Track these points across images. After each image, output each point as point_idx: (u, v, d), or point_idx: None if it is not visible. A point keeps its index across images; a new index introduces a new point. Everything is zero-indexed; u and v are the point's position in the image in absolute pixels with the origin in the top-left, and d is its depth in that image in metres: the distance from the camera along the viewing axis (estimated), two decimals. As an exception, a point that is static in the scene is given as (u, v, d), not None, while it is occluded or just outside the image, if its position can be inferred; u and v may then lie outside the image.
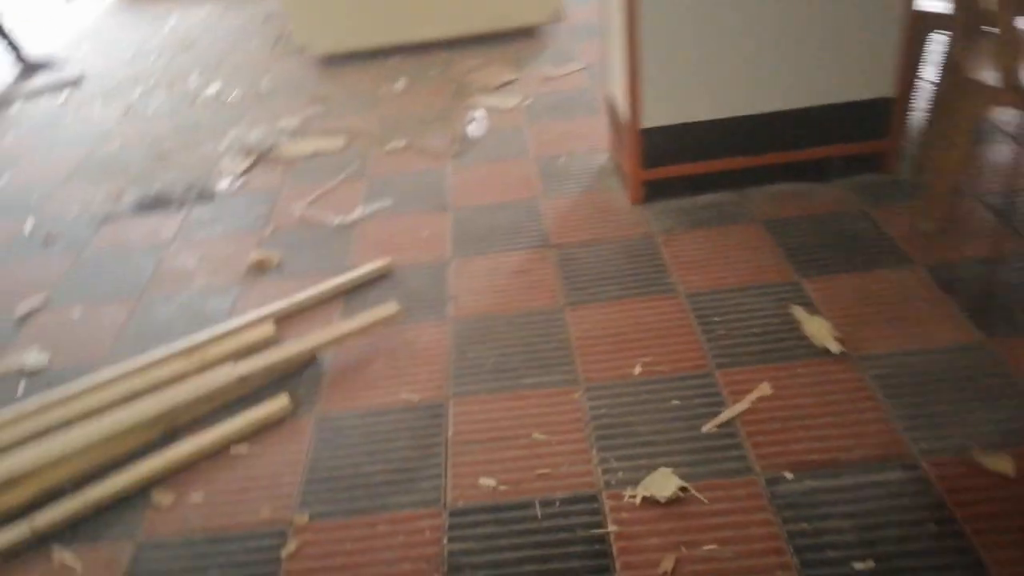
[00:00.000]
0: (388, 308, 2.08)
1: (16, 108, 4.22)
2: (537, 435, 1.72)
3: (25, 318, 2.35)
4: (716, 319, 2.02)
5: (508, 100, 3.50)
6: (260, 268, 2.46)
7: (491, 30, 4.17)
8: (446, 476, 1.65)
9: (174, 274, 2.50)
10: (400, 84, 3.80)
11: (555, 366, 1.92)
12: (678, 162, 2.52)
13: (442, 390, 1.89)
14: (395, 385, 1.92)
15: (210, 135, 3.50)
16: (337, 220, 2.68)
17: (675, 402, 1.77)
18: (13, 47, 4.69)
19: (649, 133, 2.44)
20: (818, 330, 1.90)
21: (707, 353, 1.91)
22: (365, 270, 2.33)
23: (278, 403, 1.83)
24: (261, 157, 3.23)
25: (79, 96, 4.25)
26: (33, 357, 2.13)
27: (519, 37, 4.21)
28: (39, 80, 4.53)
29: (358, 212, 2.72)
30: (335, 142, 3.29)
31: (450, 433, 1.76)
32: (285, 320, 2.20)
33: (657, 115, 2.42)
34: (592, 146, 3.00)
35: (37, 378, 2.08)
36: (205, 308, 2.31)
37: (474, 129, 3.21)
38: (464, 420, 1.79)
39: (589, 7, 4.58)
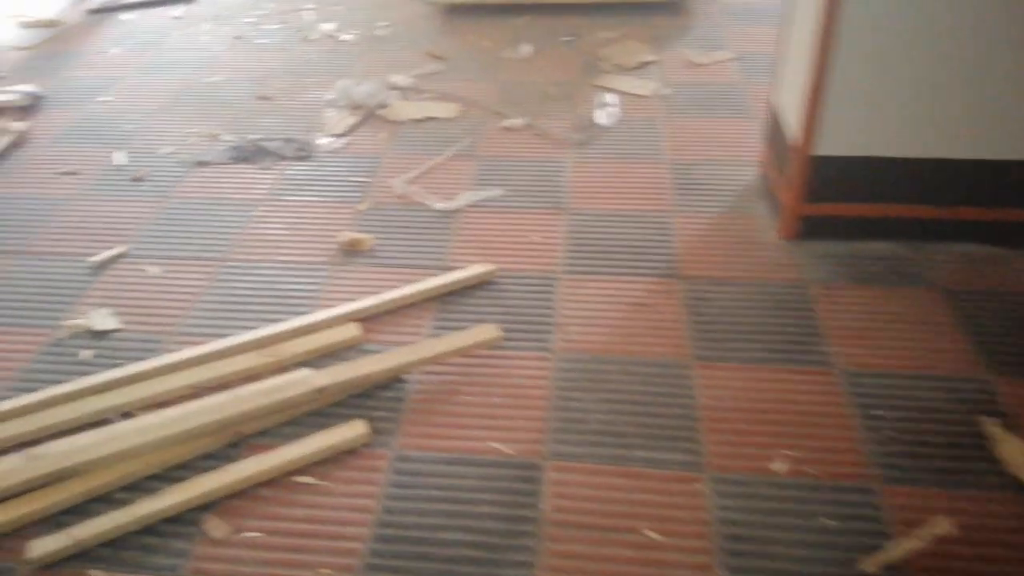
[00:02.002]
0: (487, 331, 1.80)
1: (130, 16, 4.07)
2: (650, 532, 1.43)
3: (101, 267, 2.18)
4: (882, 412, 1.66)
5: (644, 85, 3.11)
6: (351, 249, 2.21)
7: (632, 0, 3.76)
8: (535, 566, 1.38)
9: (261, 240, 2.28)
10: (525, 50, 3.45)
11: (676, 440, 1.61)
12: (848, 199, 2.12)
13: (539, 446, 1.61)
14: (485, 428, 1.65)
15: (317, 80, 3.25)
16: (440, 205, 2.40)
17: (825, 520, 1.44)
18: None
19: (820, 161, 2.05)
20: (1018, 456, 1.52)
21: (869, 458, 1.56)
22: (465, 274, 2.06)
23: (353, 430, 1.59)
24: (368, 115, 2.97)
25: (191, 13, 4.06)
26: (101, 319, 1.95)
27: (662, 11, 3.78)
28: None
29: (463, 199, 2.43)
30: (448, 109, 2.99)
31: (545, 508, 1.48)
32: (371, 319, 1.95)
33: (835, 142, 2.02)
34: (738, 157, 2.61)
35: (102, 343, 1.91)
36: (288, 287, 2.09)
37: (603, 116, 2.85)
38: (562, 493, 1.51)
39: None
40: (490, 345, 1.80)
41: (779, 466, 1.55)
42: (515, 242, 2.25)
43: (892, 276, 2.05)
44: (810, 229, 2.18)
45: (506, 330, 1.87)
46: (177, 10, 4.09)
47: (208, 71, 3.39)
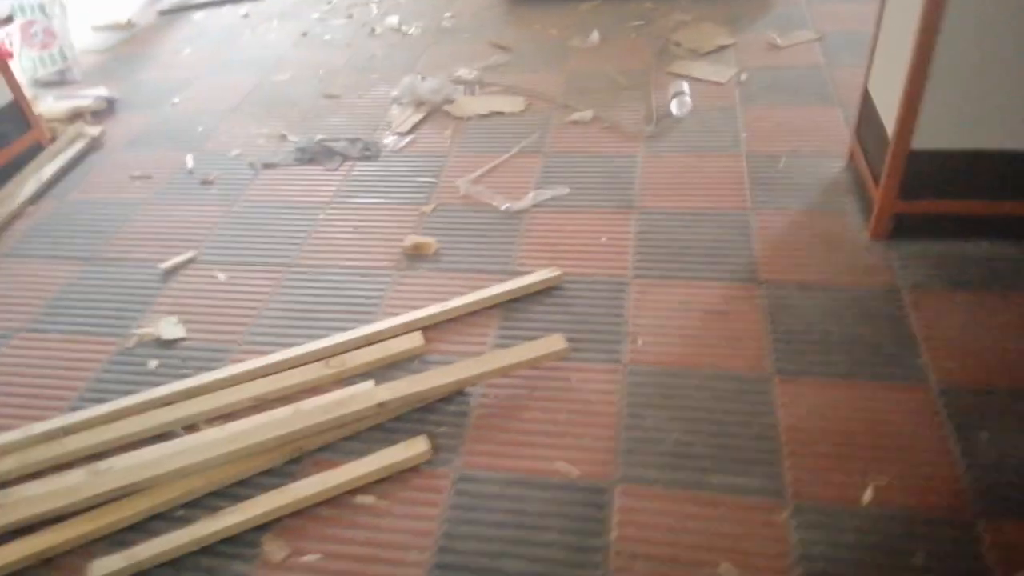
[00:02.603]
0: (554, 343, 1.73)
1: (200, 15, 4.13)
2: (726, 567, 1.33)
3: (171, 272, 2.20)
4: (983, 434, 1.51)
5: (720, 71, 2.95)
6: (416, 253, 2.17)
7: (707, -21, 3.57)
8: (603, 601, 1.31)
9: (326, 245, 2.26)
10: (594, 37, 3.33)
11: (755, 464, 1.50)
12: (947, 196, 1.94)
13: (607, 467, 1.53)
14: (551, 446, 1.58)
15: (383, 76, 3.22)
16: (505, 205, 2.33)
17: (920, 558, 1.31)
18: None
19: (918, 155, 1.88)
20: None
21: (970, 488, 1.41)
22: (531, 280, 1.98)
23: (415, 448, 1.55)
24: (433, 111, 2.91)
25: (259, 10, 4.09)
26: (170, 328, 1.97)
27: (739, -10, 3.59)
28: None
29: (529, 198, 2.35)
30: (514, 103, 2.90)
31: (613, 536, 1.40)
32: (435, 327, 1.90)
33: (936, 134, 1.85)
34: (822, 148, 2.44)
35: (170, 352, 1.92)
36: (352, 294, 2.06)
37: (677, 106, 2.71)
38: (632, 520, 1.43)
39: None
40: (557, 358, 1.72)
41: (868, 496, 1.42)
42: (583, 244, 2.15)
43: (995, 280, 1.87)
44: (904, 228, 2.01)
45: (574, 339, 1.79)
46: (244, 8, 4.13)
47: (276, 69, 3.40)
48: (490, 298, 1.94)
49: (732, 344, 1.78)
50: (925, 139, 1.86)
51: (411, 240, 2.18)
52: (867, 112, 2.15)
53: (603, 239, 2.17)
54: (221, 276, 2.17)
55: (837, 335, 1.77)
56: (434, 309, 1.90)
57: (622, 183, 2.40)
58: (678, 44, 3.19)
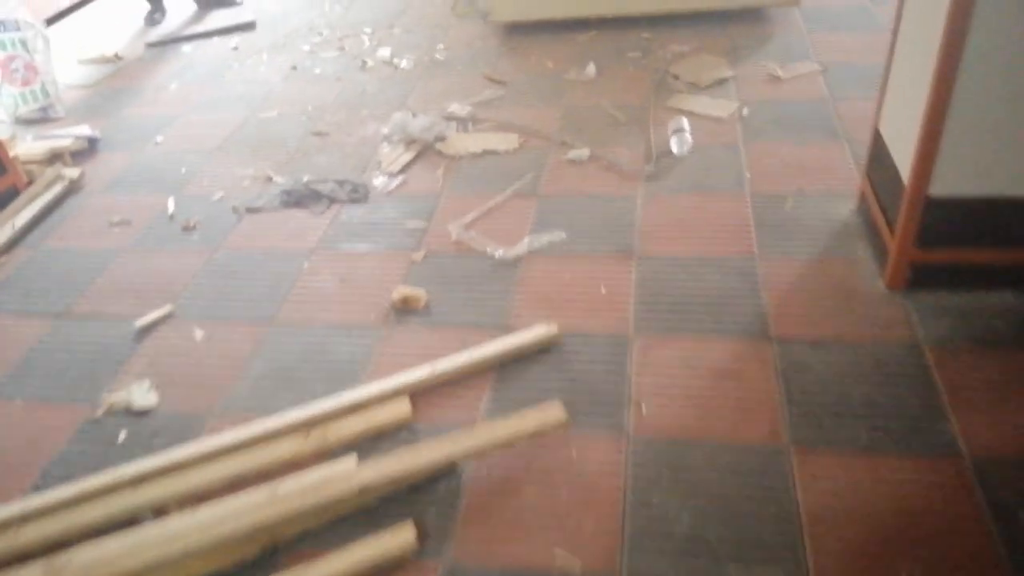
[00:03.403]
0: (552, 412, 1.60)
1: (189, 48, 4.04)
2: None
3: (147, 330, 2.08)
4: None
5: (721, 106, 2.85)
6: (404, 307, 2.05)
7: (706, 9, 3.48)
8: None
9: (311, 296, 2.14)
10: (591, 69, 3.23)
11: (775, 551, 1.37)
12: (968, 244, 1.83)
13: (612, 560, 1.40)
14: (549, 533, 1.45)
15: (374, 112, 3.11)
16: (499, 252, 2.21)
17: (963, 669, 1.18)
18: (195, -18, 4.53)
19: (936, 202, 1.77)
20: None
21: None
22: (526, 338, 1.86)
23: (400, 537, 1.42)
24: (424, 149, 2.81)
25: (248, 43, 4.00)
26: (142, 395, 1.84)
27: (739, 19, 3.50)
28: (214, 19, 4.34)
29: (524, 245, 2.23)
30: (508, 141, 2.80)
31: (620, 640, 1.27)
32: (424, 392, 1.78)
33: (955, 181, 1.74)
34: (831, 187, 2.33)
35: (142, 423, 1.79)
36: (337, 352, 1.94)
37: (677, 144, 2.61)
38: (641, 620, 1.30)
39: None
40: (556, 430, 1.60)
41: (902, 591, 1.29)
42: (581, 295, 2.04)
43: (1022, 334, 1.75)
44: (922, 278, 1.89)
45: (573, 406, 1.66)
46: (234, 40, 4.04)
47: (264, 105, 3.30)
48: (482, 361, 1.81)
49: (744, 410, 1.65)
50: (943, 186, 1.75)
51: (399, 293, 2.06)
52: (878, 152, 2.05)
53: (602, 289, 2.05)
54: (199, 333, 2.05)
55: (857, 399, 1.64)
56: (423, 372, 1.78)
57: (621, 227, 2.28)
58: (677, 77, 3.10)
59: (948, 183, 1.74)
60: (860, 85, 2.87)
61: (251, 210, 2.55)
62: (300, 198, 2.57)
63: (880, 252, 2.00)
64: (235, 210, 2.56)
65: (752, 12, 3.51)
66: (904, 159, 1.82)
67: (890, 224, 1.92)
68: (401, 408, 1.70)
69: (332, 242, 2.36)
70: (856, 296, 1.92)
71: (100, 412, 1.82)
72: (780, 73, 3.02)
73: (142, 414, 1.81)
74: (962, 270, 1.87)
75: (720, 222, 2.25)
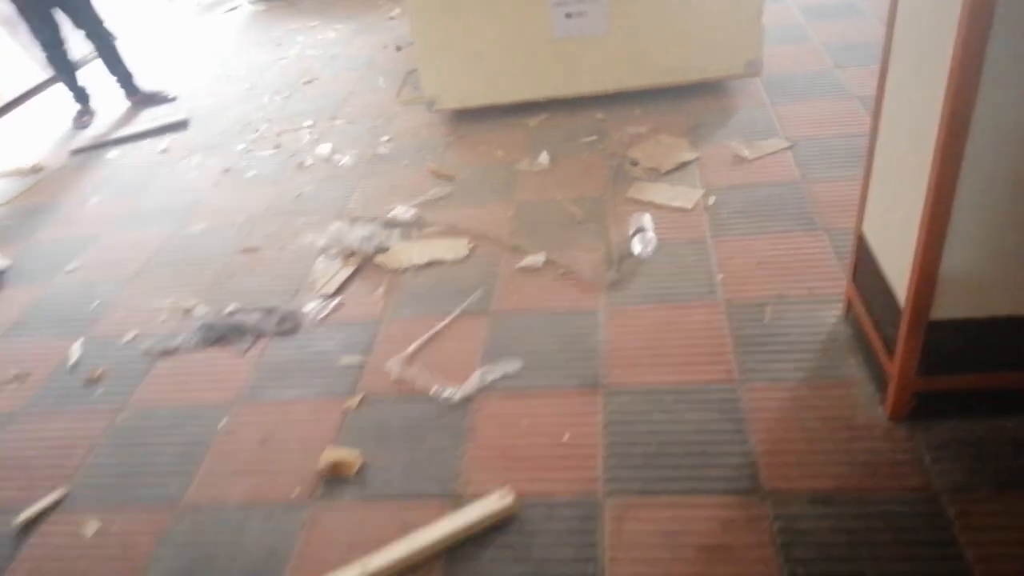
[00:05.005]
0: (508, 629, 1.30)
1: (115, 154, 3.78)
2: None
3: (30, 526, 1.76)
4: None
5: (685, 195, 2.62)
6: (335, 475, 1.75)
7: (661, 84, 3.30)
8: None
9: (227, 464, 1.84)
10: (543, 159, 3.01)
11: None
12: (979, 369, 1.58)
13: None
14: None
15: (310, 220, 2.85)
16: (446, 392, 1.93)
17: None
18: (126, 79, 4.30)
19: (940, 326, 1.52)
20: None
21: None
22: (479, 513, 1.56)
23: None
24: (364, 263, 2.54)
25: (180, 144, 3.75)
26: (10, 623, 1.52)
27: (697, 93, 3.31)
28: (144, 120, 4.10)
29: (475, 380, 1.95)
30: (457, 248, 2.54)
31: None
32: (356, 595, 1.48)
33: (959, 302, 1.50)
34: (813, 290, 2.09)
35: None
36: (254, 543, 1.62)
37: (639, 243, 2.37)
38: None
39: (796, 51, 3.59)
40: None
41: None
42: (542, 446, 1.75)
43: (1058, 476, 1.49)
44: (929, 407, 1.63)
45: (534, 609, 1.37)
46: (164, 142, 3.78)
47: (190, 218, 3.03)
48: (426, 548, 1.51)
49: (740, 601, 1.37)
50: (946, 308, 1.50)
51: (329, 457, 1.76)
52: (865, 260, 1.81)
53: (566, 436, 1.77)
54: (92, 527, 1.72)
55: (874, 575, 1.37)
56: (353, 573, 1.47)
57: (584, 350, 2.02)
58: (635, 163, 2.88)
59: (952, 304, 1.50)
60: (833, 163, 2.67)
61: (165, 353, 2.25)
62: (222, 334, 2.28)
63: (877, 374, 1.75)
64: (147, 353, 2.26)
65: (711, 85, 3.32)
66: (898, 275, 1.59)
67: (887, 345, 1.67)
68: (325, 627, 1.39)
69: (255, 389, 2.07)
70: (856, 431, 1.66)
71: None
72: (746, 153, 2.81)
73: (9, 652, 1.48)
74: (974, 397, 1.62)
75: (694, 340, 1.99)
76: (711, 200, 2.57)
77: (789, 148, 2.81)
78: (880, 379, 1.73)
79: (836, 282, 2.08)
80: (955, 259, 1.44)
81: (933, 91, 1.33)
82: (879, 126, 1.69)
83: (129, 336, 2.36)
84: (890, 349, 1.64)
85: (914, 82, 1.46)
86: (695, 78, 3.27)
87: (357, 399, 1.97)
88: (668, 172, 2.79)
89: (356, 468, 1.75)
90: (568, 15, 3.15)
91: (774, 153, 2.80)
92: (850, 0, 4.18)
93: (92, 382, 2.18)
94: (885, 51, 1.61)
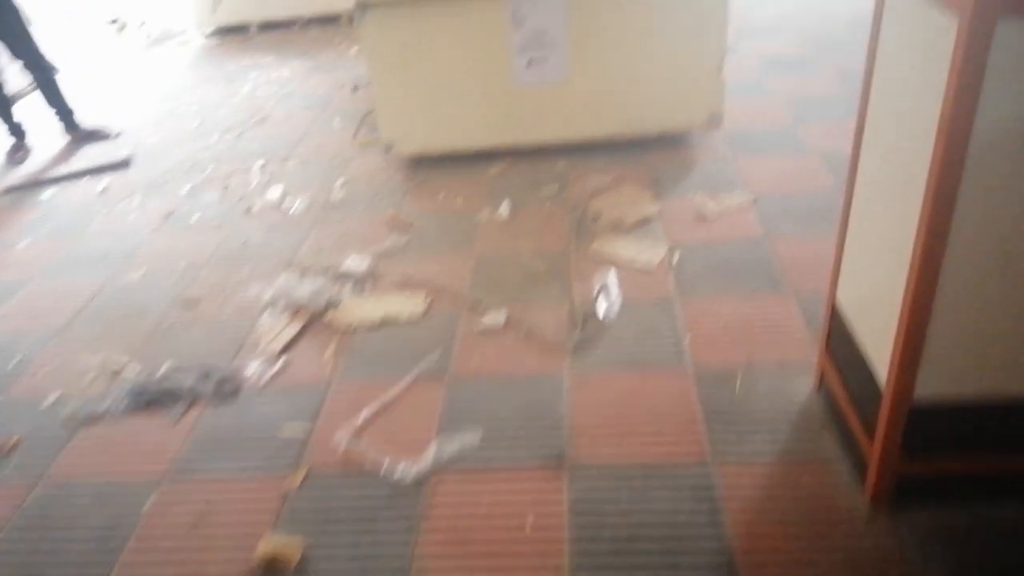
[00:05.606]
0: None
1: (49, 194, 3.56)
2: None
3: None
4: None
5: (649, 251, 2.55)
6: (273, 567, 1.58)
7: (623, 135, 3.25)
8: None
9: (150, 556, 1.65)
10: (504, 209, 2.91)
11: None
12: (967, 451, 1.50)
13: None
14: None
15: (256, 270, 2.69)
16: (399, 469, 1.78)
17: None
18: (66, 114, 4.09)
19: (924, 408, 1.44)
20: None
21: None
22: (432, 615, 1.41)
23: None
24: (313, 320, 2.39)
25: (120, 184, 3.56)
26: None
27: (658, 146, 3.27)
28: (83, 158, 3.90)
29: (430, 455, 1.81)
30: (413, 304, 2.41)
31: None
32: None
33: (945, 381, 1.42)
34: (783, 357, 2.01)
35: None
36: (177, 647, 1.44)
37: (604, 303, 2.27)
38: None
39: (755, 104, 3.59)
40: None
41: None
42: (503, 530, 1.61)
43: (1048, 568, 1.41)
44: (913, 491, 1.55)
45: None
46: (103, 182, 3.58)
47: (127, 265, 2.84)
48: (372, 658, 1.36)
49: None
50: (931, 387, 1.43)
51: (266, 548, 1.59)
52: (839, 330, 1.73)
53: (529, 521, 1.63)
54: (-11, 630, 1.52)
55: None
56: None
57: (547, 421, 1.90)
58: (598, 216, 2.80)
59: (937, 384, 1.42)
60: (795, 220, 2.63)
61: (89, 419, 2.05)
62: (153, 398, 2.09)
63: (855, 453, 1.67)
64: (69, 420, 2.06)
65: (672, 137, 3.29)
66: (877, 350, 1.51)
67: (865, 423, 1.59)
68: None
69: (187, 463, 1.89)
70: (836, 517, 1.56)
71: None
72: (709, 207, 2.76)
73: None
74: (962, 481, 1.54)
75: (663, 412, 1.88)
76: (676, 257, 2.50)
77: (752, 203, 2.77)
78: (858, 459, 1.65)
79: (806, 349, 2.01)
80: (940, 337, 1.37)
81: (916, 158, 1.27)
82: (854, 191, 1.63)
83: (51, 399, 2.15)
84: (869, 429, 1.56)
85: (894, 148, 1.40)
86: (656, 129, 3.23)
87: (300, 476, 1.80)
88: (632, 226, 2.71)
89: (297, 559, 1.58)
90: (529, 63, 3.09)
91: (737, 208, 2.75)
92: (804, 53, 4.24)
93: (4, 453, 1.97)
94: (861, 113, 1.55)
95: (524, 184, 3.11)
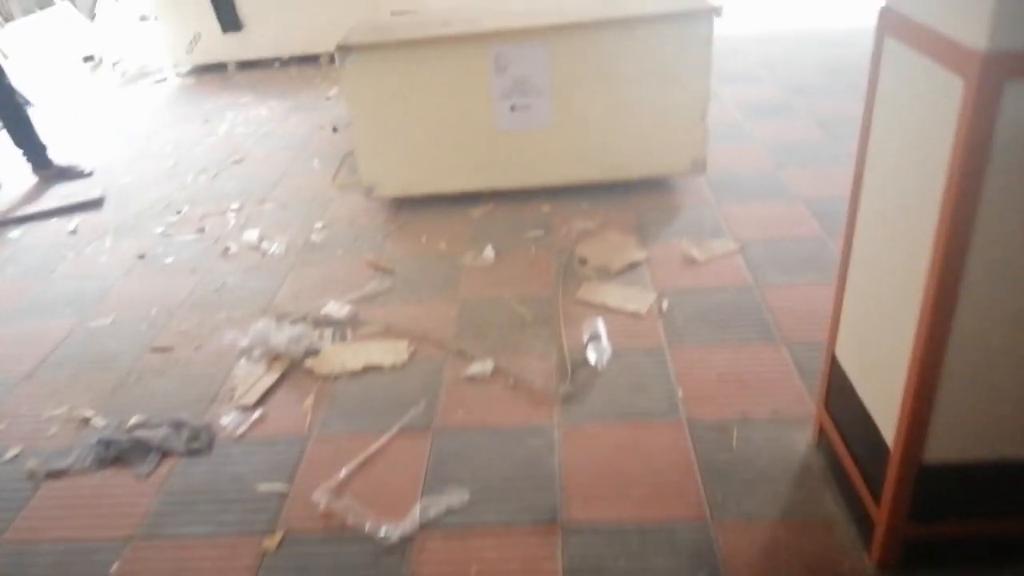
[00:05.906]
0: None
1: (17, 233, 3.45)
2: None
3: None
4: None
5: (637, 298, 2.50)
6: (248, 638, 1.48)
7: (607, 179, 3.23)
8: None
9: (114, 623, 1.54)
10: (488, 253, 2.86)
11: None
12: (975, 516, 1.45)
13: None
14: None
15: (232, 315, 2.60)
16: (382, 530, 1.69)
17: None
18: (38, 151, 3.99)
19: (933, 470, 1.40)
20: None
21: None
22: None
23: None
24: (291, 368, 2.30)
25: (91, 225, 3.45)
26: None
27: (643, 189, 3.25)
28: (54, 197, 3.79)
29: (415, 514, 1.72)
30: (396, 352, 2.33)
31: None
32: None
33: (955, 443, 1.38)
34: (778, 410, 1.96)
35: None
36: None
37: (594, 352, 2.22)
38: None
39: (737, 150, 3.61)
40: None
41: None
42: (493, 598, 1.53)
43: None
44: (921, 555, 1.50)
45: None
46: (73, 222, 3.48)
47: (97, 310, 2.73)
48: None
49: None
50: (941, 450, 1.38)
51: (242, 619, 1.49)
52: (840, 386, 1.69)
53: (521, 586, 1.55)
54: None
55: None
56: None
57: (539, 478, 1.82)
58: (584, 261, 2.76)
59: (947, 446, 1.38)
60: (783, 268, 2.61)
61: (53, 474, 1.93)
62: (121, 451, 1.98)
63: (858, 512, 1.61)
64: (31, 475, 1.94)
65: (656, 182, 3.28)
66: (882, 410, 1.47)
67: (869, 484, 1.54)
68: None
69: (156, 523, 1.77)
70: (841, 583, 1.50)
71: None
72: (696, 254, 2.73)
73: None
74: (972, 544, 1.49)
75: (659, 467, 1.82)
76: (665, 304, 2.46)
77: (739, 250, 2.75)
78: (862, 518, 1.59)
79: (801, 404, 1.97)
80: (949, 398, 1.33)
81: (921, 217, 1.24)
82: (852, 243, 1.61)
83: (12, 452, 2.03)
84: (874, 489, 1.51)
85: (897, 203, 1.38)
86: (640, 174, 3.22)
87: (277, 538, 1.70)
88: (618, 272, 2.68)
89: (274, 631, 1.48)
90: (512, 108, 3.07)
91: (724, 255, 2.72)
92: (784, 99, 4.29)
93: (-43, 514, 1.84)
94: (859, 163, 1.53)
95: (508, 227, 3.07)
